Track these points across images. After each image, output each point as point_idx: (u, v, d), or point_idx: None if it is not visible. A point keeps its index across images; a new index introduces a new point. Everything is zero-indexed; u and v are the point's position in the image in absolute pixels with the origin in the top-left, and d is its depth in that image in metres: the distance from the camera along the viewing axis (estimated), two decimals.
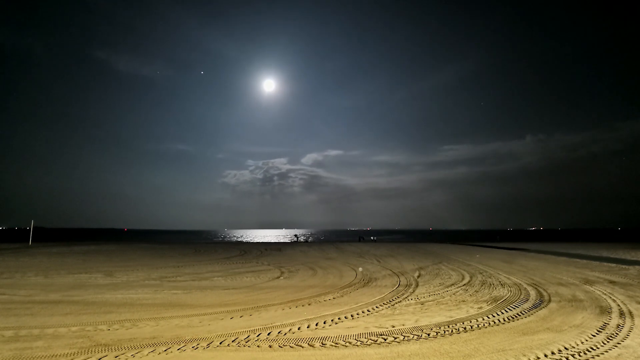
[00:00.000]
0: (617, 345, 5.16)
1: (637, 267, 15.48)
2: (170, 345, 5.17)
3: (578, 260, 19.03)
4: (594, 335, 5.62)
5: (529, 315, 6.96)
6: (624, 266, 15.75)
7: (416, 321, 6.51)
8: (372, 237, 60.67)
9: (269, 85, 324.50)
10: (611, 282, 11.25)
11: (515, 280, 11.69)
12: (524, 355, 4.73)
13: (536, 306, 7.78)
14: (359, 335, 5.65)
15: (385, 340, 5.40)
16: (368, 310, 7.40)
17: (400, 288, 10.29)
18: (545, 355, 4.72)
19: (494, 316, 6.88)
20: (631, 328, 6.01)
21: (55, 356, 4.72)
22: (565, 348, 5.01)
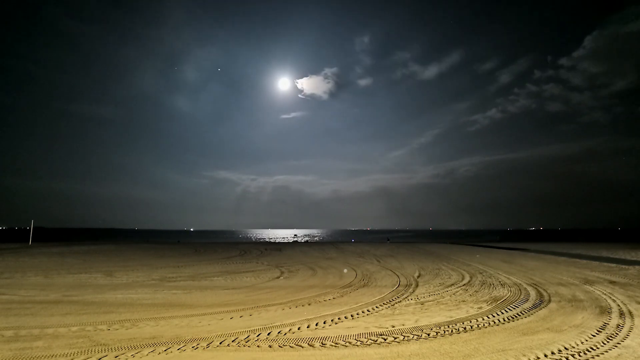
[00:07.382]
0: (617, 345, 5.16)
1: (637, 267, 15.48)
2: (170, 345, 5.17)
3: (578, 260, 19.03)
4: (594, 335, 5.62)
5: (529, 315, 6.96)
6: (624, 266, 15.76)
7: (416, 321, 6.50)
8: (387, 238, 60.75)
9: (284, 83, 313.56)
10: (611, 282, 11.24)
11: (515, 280, 11.69)
12: (524, 355, 4.73)
13: (536, 306, 7.78)
14: (359, 335, 5.65)
15: (385, 340, 5.40)
16: (368, 311, 7.40)
17: (400, 288, 10.29)
18: (545, 355, 4.72)
19: (494, 316, 6.88)
20: (631, 328, 6.00)
21: (55, 356, 4.72)
22: (565, 348, 5.01)
